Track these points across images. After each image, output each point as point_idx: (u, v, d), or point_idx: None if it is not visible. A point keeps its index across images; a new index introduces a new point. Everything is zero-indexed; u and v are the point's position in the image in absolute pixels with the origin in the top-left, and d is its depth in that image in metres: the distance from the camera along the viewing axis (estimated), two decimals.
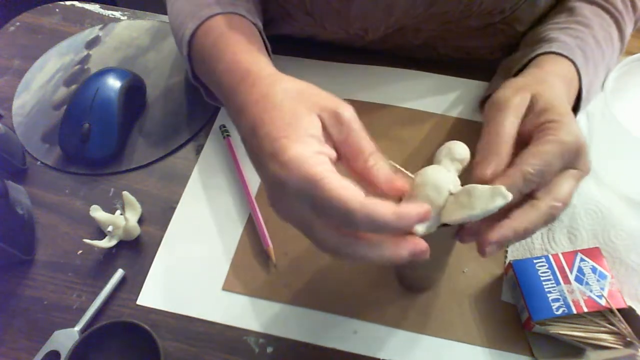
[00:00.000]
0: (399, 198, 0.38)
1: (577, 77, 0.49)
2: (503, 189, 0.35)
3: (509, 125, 0.40)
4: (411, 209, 0.33)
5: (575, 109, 0.49)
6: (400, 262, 0.35)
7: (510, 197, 0.35)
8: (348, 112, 0.37)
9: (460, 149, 0.39)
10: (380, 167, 0.37)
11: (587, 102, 0.51)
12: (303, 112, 0.37)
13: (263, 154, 0.36)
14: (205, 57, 0.48)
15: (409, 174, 0.38)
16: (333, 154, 0.37)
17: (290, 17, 0.61)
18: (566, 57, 0.49)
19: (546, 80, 0.45)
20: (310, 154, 0.34)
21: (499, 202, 0.35)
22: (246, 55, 0.44)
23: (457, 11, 0.57)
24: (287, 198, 0.35)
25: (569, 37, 0.51)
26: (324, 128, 0.37)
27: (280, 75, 0.41)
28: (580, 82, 0.49)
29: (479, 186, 0.36)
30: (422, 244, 0.35)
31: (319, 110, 0.37)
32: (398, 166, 0.38)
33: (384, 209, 0.32)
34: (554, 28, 0.54)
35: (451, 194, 0.37)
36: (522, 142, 0.40)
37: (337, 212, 0.32)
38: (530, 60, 0.50)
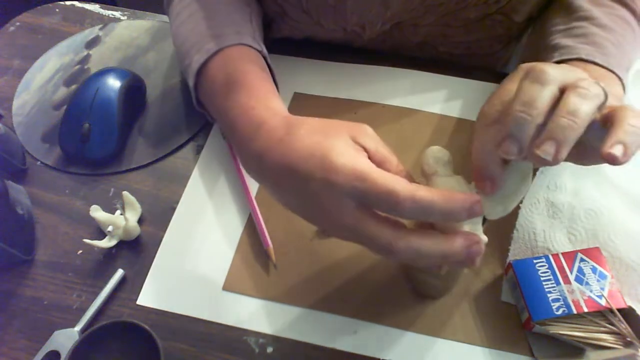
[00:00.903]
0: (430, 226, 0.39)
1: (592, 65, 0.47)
2: (518, 162, 0.36)
3: (490, 140, 0.39)
4: (459, 194, 0.34)
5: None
6: (454, 259, 0.35)
7: (531, 164, 0.36)
8: (371, 129, 0.39)
9: (444, 153, 0.40)
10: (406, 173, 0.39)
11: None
12: (331, 133, 0.38)
13: (303, 172, 0.37)
14: (216, 94, 0.49)
15: None
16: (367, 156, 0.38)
17: (288, 16, 0.61)
18: (568, 59, 0.48)
19: None
20: (353, 153, 0.36)
21: (528, 169, 0.37)
22: (260, 103, 0.45)
23: (452, 2, 0.57)
24: (336, 204, 0.36)
25: (570, 38, 0.50)
26: (355, 140, 0.38)
27: (297, 117, 0.42)
28: (598, 65, 0.47)
29: None
30: (478, 238, 0.35)
31: (346, 129, 0.38)
32: None
33: (428, 190, 0.34)
34: (554, 32, 0.53)
35: (477, 192, 0.38)
36: None
37: (384, 197, 0.34)
38: None
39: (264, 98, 0.45)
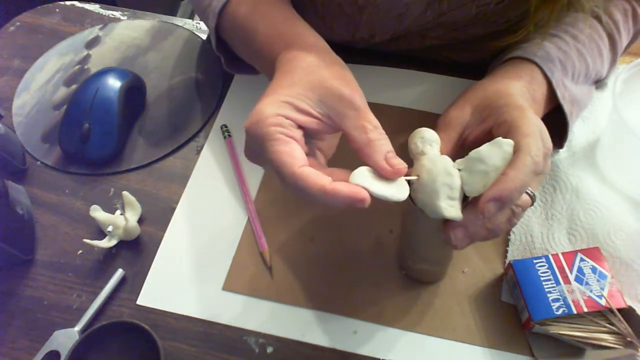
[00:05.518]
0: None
1: (544, 80, 0.49)
2: (499, 138, 0.37)
3: (450, 141, 0.45)
4: (343, 188, 0.34)
5: (553, 117, 0.51)
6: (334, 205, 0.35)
7: (511, 141, 0.37)
8: (348, 92, 0.39)
9: (431, 134, 0.41)
10: (383, 143, 0.38)
11: (576, 110, 0.52)
12: (298, 83, 0.39)
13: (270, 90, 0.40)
14: (240, 28, 0.50)
15: (412, 177, 0.39)
16: (303, 122, 0.38)
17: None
18: (540, 67, 0.49)
19: (498, 89, 0.47)
20: (270, 114, 0.37)
21: (509, 148, 0.37)
22: (284, 28, 0.47)
23: (465, 20, 0.57)
24: (249, 143, 0.39)
25: (554, 46, 0.51)
26: (321, 104, 0.38)
27: (311, 48, 0.43)
28: (553, 90, 0.49)
29: (481, 148, 0.38)
30: (362, 196, 0.35)
31: (320, 88, 0.39)
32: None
33: (311, 180, 0.35)
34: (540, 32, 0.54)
35: (459, 170, 0.38)
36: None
37: (274, 170, 0.36)
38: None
39: (288, 25, 0.48)
